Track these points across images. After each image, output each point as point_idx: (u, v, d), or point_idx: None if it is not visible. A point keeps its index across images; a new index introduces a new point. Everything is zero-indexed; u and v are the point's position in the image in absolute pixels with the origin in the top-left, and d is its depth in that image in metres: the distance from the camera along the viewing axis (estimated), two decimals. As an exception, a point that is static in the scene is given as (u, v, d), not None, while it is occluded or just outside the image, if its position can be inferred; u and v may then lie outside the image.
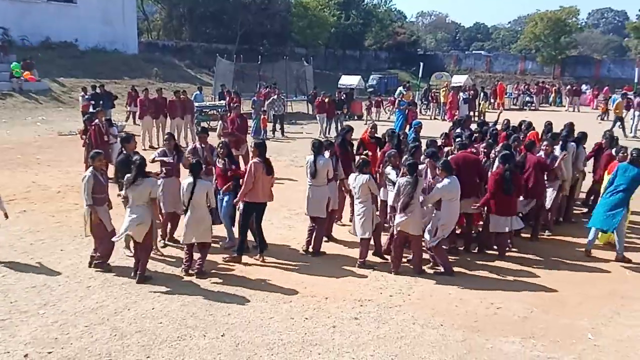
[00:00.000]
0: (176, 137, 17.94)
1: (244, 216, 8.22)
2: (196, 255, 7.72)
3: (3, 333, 5.99)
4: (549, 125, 12.10)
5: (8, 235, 9.10)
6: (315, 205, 8.56)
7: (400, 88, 28.71)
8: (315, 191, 8.55)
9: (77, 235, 8.87)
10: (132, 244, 7.77)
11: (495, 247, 8.77)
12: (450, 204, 7.76)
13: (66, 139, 18.75)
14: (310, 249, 8.61)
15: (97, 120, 12.65)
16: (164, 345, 5.81)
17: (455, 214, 7.88)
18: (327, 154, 8.64)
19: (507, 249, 8.81)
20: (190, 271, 7.65)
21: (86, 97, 20.66)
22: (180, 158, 8.70)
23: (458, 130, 11.39)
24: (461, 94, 27.99)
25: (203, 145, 9.15)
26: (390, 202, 8.00)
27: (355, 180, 8.02)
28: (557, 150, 9.93)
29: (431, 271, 8.01)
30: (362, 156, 8.98)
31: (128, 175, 7.37)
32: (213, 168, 8.89)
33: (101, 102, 19.53)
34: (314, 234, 8.61)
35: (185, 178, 7.79)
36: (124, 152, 8.33)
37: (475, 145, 10.00)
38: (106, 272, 7.65)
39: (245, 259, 8.26)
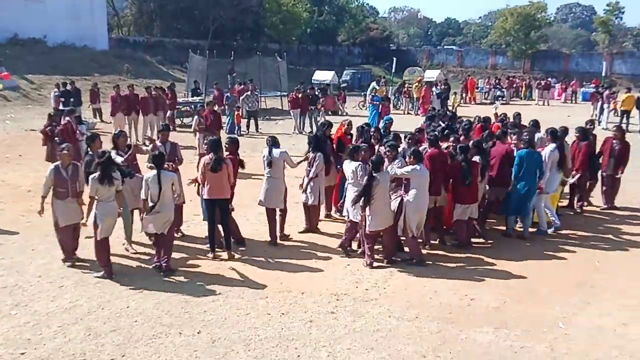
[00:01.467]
0: (150, 134, 17.90)
1: (207, 213, 8.24)
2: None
3: (-27, 335, 5.87)
4: (517, 117, 12.24)
5: (-23, 236, 8.91)
6: (270, 196, 8.79)
7: (374, 83, 28.80)
8: (272, 183, 8.80)
9: (48, 234, 8.70)
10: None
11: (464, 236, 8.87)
12: (419, 192, 7.90)
13: (36, 136, 18.30)
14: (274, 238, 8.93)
15: (68, 118, 12.48)
16: (139, 343, 5.76)
17: (425, 201, 8.03)
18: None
19: (472, 237, 8.98)
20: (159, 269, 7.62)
21: (56, 93, 20.31)
22: (134, 156, 8.61)
23: (432, 125, 11.45)
24: (434, 88, 28.24)
25: (165, 142, 8.96)
26: (350, 198, 8.10)
27: (348, 166, 8.16)
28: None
29: (402, 261, 8.16)
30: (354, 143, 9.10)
31: (93, 175, 7.28)
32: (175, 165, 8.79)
33: (71, 99, 19.19)
34: (274, 224, 8.90)
35: (147, 172, 7.79)
36: (90, 152, 8.20)
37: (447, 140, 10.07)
38: (77, 268, 7.55)
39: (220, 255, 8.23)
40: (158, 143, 9.01)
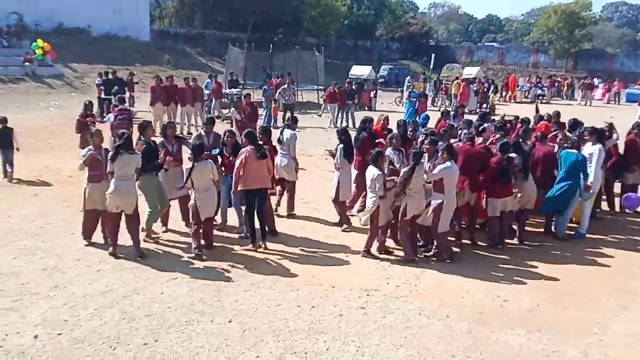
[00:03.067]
0: (186, 124, 18.17)
1: (246, 204, 8.34)
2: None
3: (14, 314, 6.06)
4: (556, 116, 11.95)
5: (20, 218, 9.19)
6: (282, 169, 9.62)
7: (409, 78, 28.62)
8: (282, 158, 9.60)
9: (87, 219, 8.92)
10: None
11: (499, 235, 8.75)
12: (452, 189, 7.84)
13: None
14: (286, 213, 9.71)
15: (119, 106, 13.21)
16: (172, 329, 5.86)
17: (454, 198, 7.94)
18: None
19: (507, 237, 8.84)
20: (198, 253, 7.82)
21: (98, 82, 20.75)
22: (180, 147, 8.74)
23: (485, 124, 11.19)
24: (471, 85, 27.87)
25: (209, 133, 9.28)
26: (369, 205, 8.04)
27: (369, 172, 8.04)
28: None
29: (426, 256, 8.16)
30: (377, 145, 9.02)
31: (111, 152, 7.66)
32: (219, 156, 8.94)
33: (115, 87, 19.58)
34: (285, 197, 9.82)
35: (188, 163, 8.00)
36: (142, 138, 8.38)
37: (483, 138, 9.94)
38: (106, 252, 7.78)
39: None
40: (202, 133, 9.20)
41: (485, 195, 8.72)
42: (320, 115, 23.93)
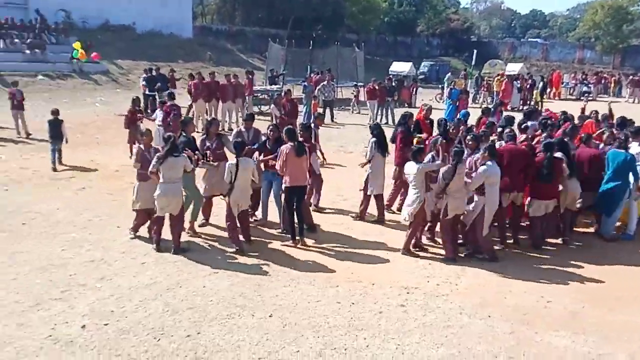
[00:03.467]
0: (227, 120, 18.35)
1: (285, 200, 8.39)
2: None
3: (62, 304, 6.24)
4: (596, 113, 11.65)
5: (68, 211, 9.47)
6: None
7: (449, 75, 28.26)
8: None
9: (133, 213, 9.11)
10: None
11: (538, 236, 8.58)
12: (493, 189, 7.72)
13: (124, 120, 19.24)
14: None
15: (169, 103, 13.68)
16: (214, 322, 5.95)
17: (496, 198, 7.82)
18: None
19: (553, 236, 8.68)
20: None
21: (143, 78, 21.16)
22: (220, 144, 8.79)
23: (529, 122, 10.98)
24: (515, 82, 27.34)
25: (248, 129, 9.29)
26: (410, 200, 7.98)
27: (410, 168, 7.97)
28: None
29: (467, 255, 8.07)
30: (417, 139, 8.95)
31: (159, 153, 7.73)
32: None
33: (158, 84, 19.94)
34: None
35: (230, 160, 8.11)
36: (184, 134, 8.52)
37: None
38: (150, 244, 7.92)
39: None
40: (242, 129, 9.29)
41: (529, 196, 8.55)
42: (352, 112, 23.82)
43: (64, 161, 12.70)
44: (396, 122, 11.46)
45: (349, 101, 26.17)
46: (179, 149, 7.77)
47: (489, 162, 7.64)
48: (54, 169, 12.29)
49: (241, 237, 8.10)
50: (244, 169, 7.81)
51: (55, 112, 12.85)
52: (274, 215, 9.10)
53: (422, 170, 7.76)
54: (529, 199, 8.54)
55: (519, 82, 28.37)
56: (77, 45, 26.52)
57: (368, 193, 9.37)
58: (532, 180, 8.37)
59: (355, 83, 26.02)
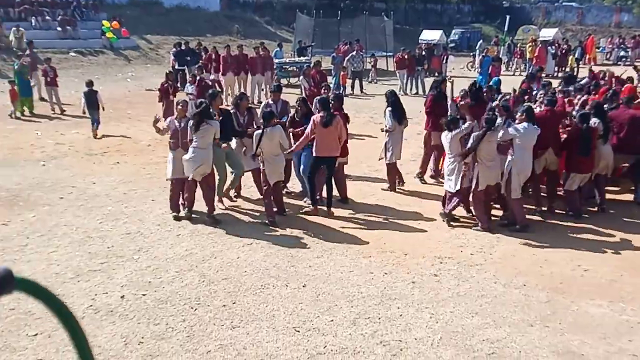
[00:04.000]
0: (257, 93, 18.34)
1: (311, 169, 8.37)
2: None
3: (102, 275, 6.40)
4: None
5: (103, 186, 9.65)
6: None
7: (481, 42, 27.63)
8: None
9: (166, 186, 9.23)
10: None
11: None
12: (524, 153, 7.59)
13: (154, 94, 19.38)
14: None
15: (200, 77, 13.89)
16: (248, 292, 6.04)
17: (528, 163, 7.68)
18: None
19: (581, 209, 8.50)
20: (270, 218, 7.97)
21: (173, 52, 21.21)
22: (252, 119, 8.79)
23: (569, 87, 10.74)
24: (549, 48, 26.58)
25: (276, 101, 9.28)
26: (447, 168, 7.97)
27: (444, 137, 7.91)
28: None
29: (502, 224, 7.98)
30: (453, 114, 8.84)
31: (191, 120, 7.76)
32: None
33: (187, 58, 20.00)
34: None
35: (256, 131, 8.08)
36: (211, 109, 8.51)
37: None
38: (189, 220, 8.02)
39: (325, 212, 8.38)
40: (270, 101, 9.27)
41: (565, 169, 8.36)
42: (370, 83, 23.45)
43: (98, 134, 12.97)
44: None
45: (378, 71, 25.87)
46: (211, 115, 7.81)
47: (525, 124, 7.51)
48: (95, 136, 13.06)
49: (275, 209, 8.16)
50: (269, 137, 7.75)
51: (90, 84, 13.52)
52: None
53: (456, 137, 7.68)
54: (564, 171, 8.37)
55: (554, 48, 27.62)
56: (106, 23, 26.72)
57: (387, 162, 9.31)
58: (569, 153, 8.18)
59: (372, 53, 25.60)
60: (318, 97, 8.57)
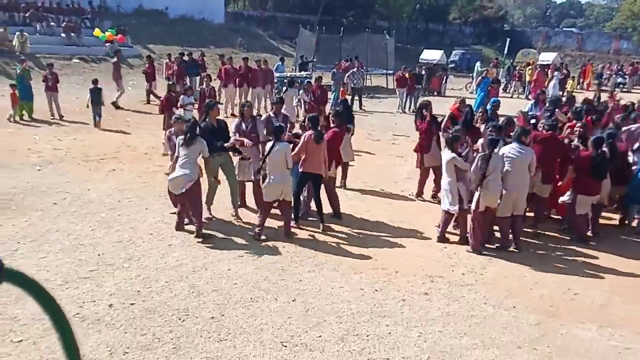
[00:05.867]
0: (256, 106, 18.37)
1: (297, 185, 8.35)
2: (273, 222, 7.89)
3: (91, 283, 6.33)
4: (631, 106, 11.36)
5: (98, 192, 9.61)
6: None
7: (478, 63, 27.75)
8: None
9: (161, 195, 9.22)
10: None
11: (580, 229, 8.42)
12: (513, 174, 7.61)
13: (154, 103, 19.43)
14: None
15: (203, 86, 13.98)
16: (237, 305, 5.98)
17: (523, 183, 7.71)
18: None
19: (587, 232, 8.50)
20: (261, 234, 7.84)
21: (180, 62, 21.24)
22: (255, 127, 8.79)
23: (551, 109, 10.78)
24: (556, 73, 26.36)
25: (277, 114, 9.21)
26: (444, 188, 8.01)
27: (444, 156, 7.96)
28: None
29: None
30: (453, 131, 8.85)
31: (182, 135, 7.72)
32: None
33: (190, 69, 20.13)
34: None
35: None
36: (207, 119, 8.50)
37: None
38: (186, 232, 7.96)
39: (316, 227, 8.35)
40: (272, 114, 9.27)
41: (574, 192, 8.29)
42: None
43: (97, 139, 12.93)
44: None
45: (378, 89, 25.97)
46: (196, 134, 7.71)
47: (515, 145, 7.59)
48: (98, 127, 14.49)
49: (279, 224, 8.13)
50: (279, 152, 7.69)
51: (95, 82, 15.31)
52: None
53: (451, 163, 7.71)
54: (568, 193, 8.35)
55: (550, 71, 27.60)
56: (97, 32, 26.99)
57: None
58: (580, 176, 8.13)
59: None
60: (309, 115, 8.61)
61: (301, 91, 15.63)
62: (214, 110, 8.55)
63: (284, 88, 14.65)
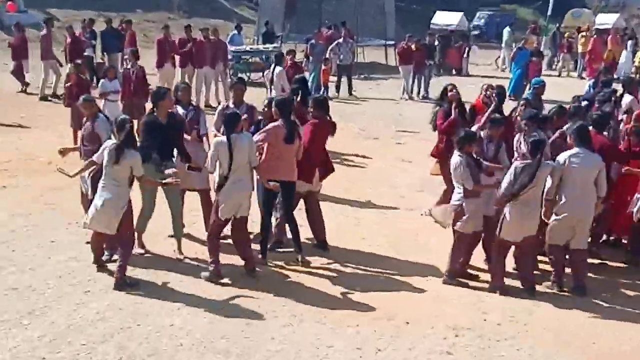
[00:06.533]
0: (205, 92, 18.22)
1: (264, 202, 8.37)
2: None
3: (-28, 350, 6.27)
4: None
5: (-18, 219, 9.52)
6: None
7: (507, 29, 28.08)
8: None
9: (71, 221, 9.16)
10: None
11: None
12: (580, 189, 7.70)
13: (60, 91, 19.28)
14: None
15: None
16: (184, 375, 5.98)
17: (588, 202, 7.79)
18: None
19: None
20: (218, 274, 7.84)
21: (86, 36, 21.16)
22: (199, 117, 8.90)
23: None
24: (630, 42, 26.50)
25: (239, 105, 9.05)
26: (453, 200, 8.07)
27: (452, 159, 7.97)
28: None
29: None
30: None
31: (109, 143, 7.51)
32: None
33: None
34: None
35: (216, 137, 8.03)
36: (155, 113, 8.34)
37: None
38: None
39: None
40: (230, 104, 9.28)
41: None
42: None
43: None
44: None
45: (374, 66, 26.12)
46: (133, 143, 7.54)
47: (577, 150, 7.65)
48: None
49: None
50: (239, 149, 7.57)
51: None
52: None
53: (456, 172, 7.78)
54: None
55: (609, 38, 27.60)
56: None
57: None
58: None
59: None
60: (277, 98, 8.56)
61: (266, 72, 15.68)
62: (164, 100, 8.42)
63: (272, 65, 14.42)
